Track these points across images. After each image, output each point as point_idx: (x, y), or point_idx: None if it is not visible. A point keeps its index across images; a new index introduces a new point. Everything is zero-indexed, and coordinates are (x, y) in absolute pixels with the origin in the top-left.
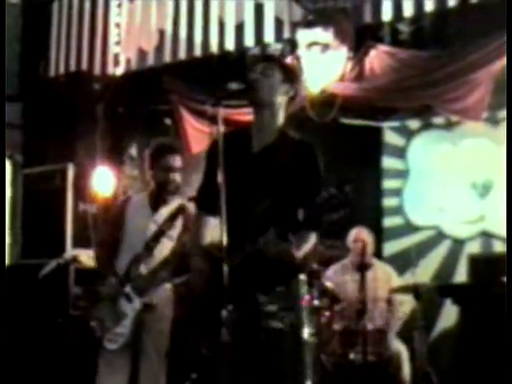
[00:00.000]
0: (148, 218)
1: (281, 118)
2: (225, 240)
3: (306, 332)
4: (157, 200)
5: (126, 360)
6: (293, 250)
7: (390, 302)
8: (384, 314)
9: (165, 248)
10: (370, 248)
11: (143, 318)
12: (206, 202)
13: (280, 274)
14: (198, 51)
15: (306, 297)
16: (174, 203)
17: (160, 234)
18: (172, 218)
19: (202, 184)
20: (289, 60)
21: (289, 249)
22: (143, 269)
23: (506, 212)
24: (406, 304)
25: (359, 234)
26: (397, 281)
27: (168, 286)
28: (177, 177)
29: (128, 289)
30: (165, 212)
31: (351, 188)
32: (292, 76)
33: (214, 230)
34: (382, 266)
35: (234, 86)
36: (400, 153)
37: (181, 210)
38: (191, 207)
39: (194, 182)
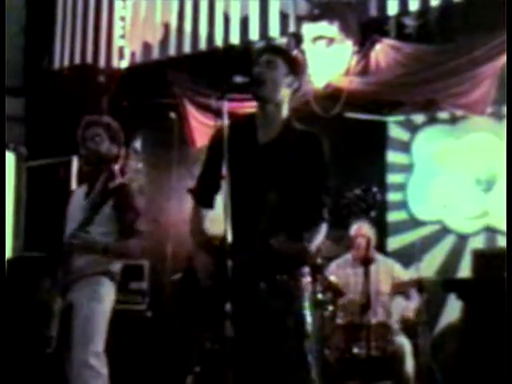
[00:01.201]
0: (81, 208)
1: (285, 109)
2: (229, 233)
3: (310, 324)
4: (93, 185)
5: None
6: (305, 246)
7: (403, 293)
8: (386, 307)
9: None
10: (372, 242)
11: (68, 318)
12: (204, 194)
13: (284, 265)
14: (202, 45)
15: (310, 288)
16: (110, 186)
17: (84, 224)
18: (100, 203)
19: (200, 176)
20: (294, 52)
21: (304, 248)
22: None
23: (506, 208)
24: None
25: (360, 229)
26: (401, 272)
27: (99, 288)
28: (101, 147)
29: (55, 289)
30: (95, 198)
31: (378, 191)
32: (297, 67)
33: (217, 223)
34: (384, 260)
35: (238, 79)
36: (404, 147)
37: (113, 191)
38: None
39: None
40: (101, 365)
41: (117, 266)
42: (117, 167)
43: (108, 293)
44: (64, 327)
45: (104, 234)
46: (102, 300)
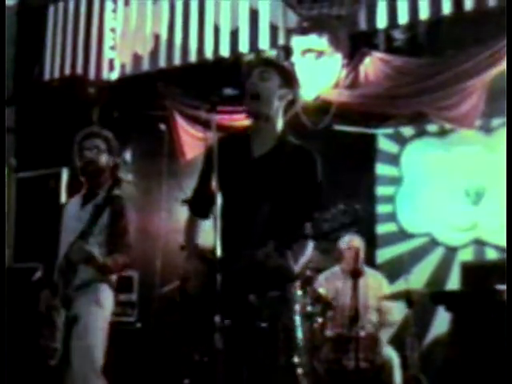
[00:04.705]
0: (77, 218)
1: (280, 122)
2: (218, 245)
3: (300, 338)
4: (88, 195)
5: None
6: (290, 264)
7: (380, 310)
8: (375, 320)
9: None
10: (362, 255)
11: (71, 330)
12: (200, 205)
13: (275, 281)
14: (192, 57)
15: (300, 302)
16: (103, 197)
17: (86, 233)
18: (96, 214)
19: (196, 187)
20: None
21: (287, 264)
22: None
23: (506, 216)
24: (396, 312)
25: (351, 242)
26: (387, 289)
27: (98, 294)
28: (99, 159)
29: (56, 301)
30: (92, 208)
31: (361, 207)
32: (290, 80)
33: (210, 233)
34: (373, 273)
35: (228, 91)
36: (393, 160)
37: (107, 202)
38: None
39: (186, 188)
40: (99, 369)
41: (114, 275)
42: (110, 179)
43: (107, 299)
44: (68, 338)
45: (99, 245)
46: (102, 306)
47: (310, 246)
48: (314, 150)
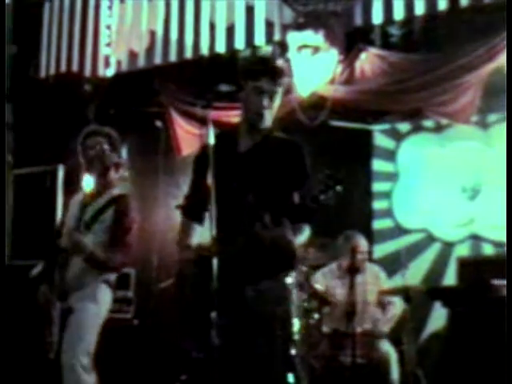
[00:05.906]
0: (77, 215)
1: (269, 119)
2: (214, 239)
3: (296, 328)
4: (93, 194)
5: None
6: (289, 234)
7: (380, 303)
8: (373, 316)
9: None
10: (362, 252)
11: (67, 323)
12: (193, 210)
13: (270, 264)
14: (188, 53)
15: (296, 292)
16: (108, 195)
17: (76, 227)
18: (98, 212)
19: (189, 192)
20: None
21: (284, 233)
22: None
23: (506, 213)
24: (397, 305)
25: (357, 243)
26: (386, 281)
27: (95, 291)
28: (103, 156)
29: (53, 296)
30: (95, 206)
31: (339, 174)
32: (283, 79)
33: (203, 233)
34: (371, 268)
35: (224, 88)
36: (390, 155)
37: (112, 201)
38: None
39: (183, 184)
40: (89, 365)
41: (113, 275)
42: (116, 175)
43: (104, 297)
44: (63, 332)
45: (98, 244)
46: (98, 303)
47: (306, 227)
48: (301, 144)
